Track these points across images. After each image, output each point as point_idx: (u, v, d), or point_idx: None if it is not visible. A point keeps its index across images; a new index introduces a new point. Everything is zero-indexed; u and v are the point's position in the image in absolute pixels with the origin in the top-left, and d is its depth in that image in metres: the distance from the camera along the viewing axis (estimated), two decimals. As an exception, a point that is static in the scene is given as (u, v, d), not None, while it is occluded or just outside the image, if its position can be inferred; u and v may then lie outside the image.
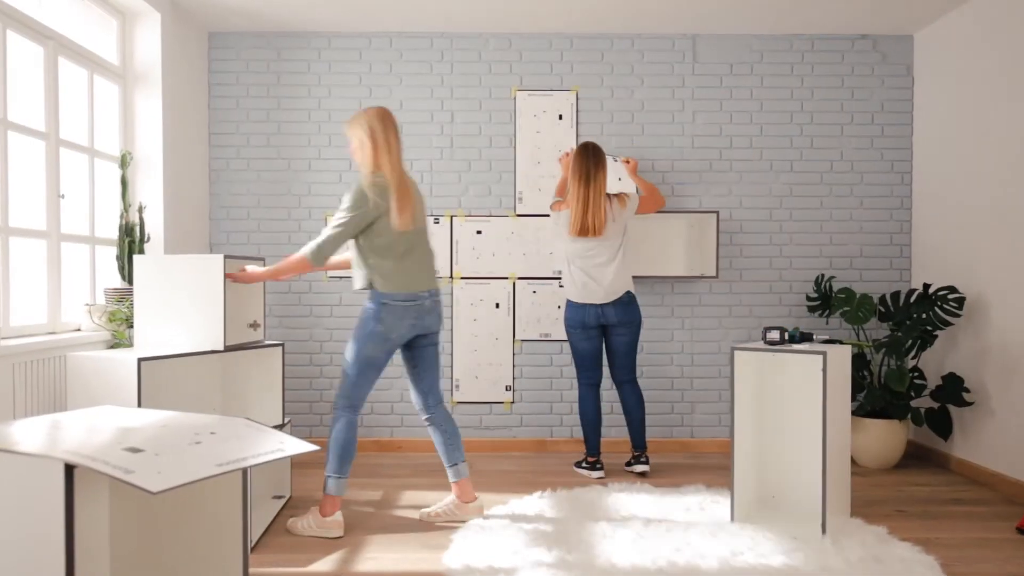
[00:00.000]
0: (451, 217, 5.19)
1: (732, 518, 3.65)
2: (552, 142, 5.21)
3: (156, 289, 3.57)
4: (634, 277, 5.00)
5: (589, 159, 4.43)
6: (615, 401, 5.21)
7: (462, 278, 5.20)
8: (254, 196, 5.22)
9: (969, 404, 4.54)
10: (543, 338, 5.23)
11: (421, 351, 3.74)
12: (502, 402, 5.24)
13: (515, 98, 5.23)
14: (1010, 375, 4.31)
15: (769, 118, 5.26)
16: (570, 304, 4.57)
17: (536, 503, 3.94)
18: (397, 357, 5.16)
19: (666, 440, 5.27)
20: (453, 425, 3.79)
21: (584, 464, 4.63)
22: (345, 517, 3.78)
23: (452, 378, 5.20)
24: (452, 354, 5.20)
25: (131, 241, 4.14)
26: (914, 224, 5.25)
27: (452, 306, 5.19)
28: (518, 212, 5.22)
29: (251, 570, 3.15)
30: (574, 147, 4.90)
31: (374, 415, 5.24)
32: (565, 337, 5.14)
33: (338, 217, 3.46)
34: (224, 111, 5.22)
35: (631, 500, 3.98)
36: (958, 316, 4.59)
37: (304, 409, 5.24)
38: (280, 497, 4.03)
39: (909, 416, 4.66)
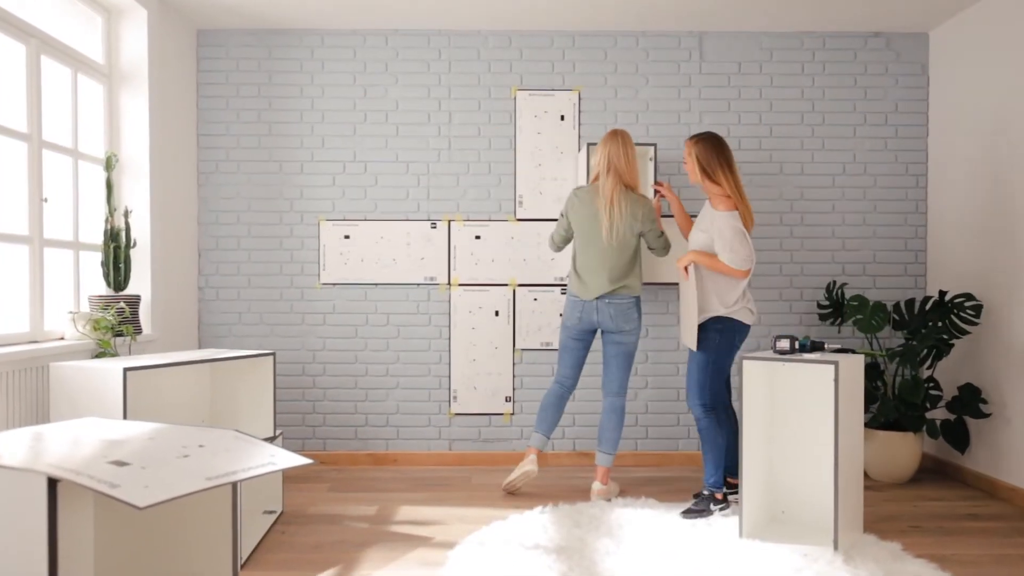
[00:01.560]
0: (449, 221, 5.20)
1: (741, 534, 3.65)
2: (553, 144, 5.23)
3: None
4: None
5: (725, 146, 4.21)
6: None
7: (460, 285, 5.20)
8: (244, 200, 5.24)
9: (986, 416, 4.55)
10: (544, 347, 5.23)
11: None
12: (501, 413, 5.25)
13: (515, 98, 5.24)
14: (1029, 386, 4.32)
15: (779, 119, 5.28)
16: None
17: (537, 518, 3.95)
18: (396, 368, 5.19)
19: (672, 453, 5.27)
20: (605, 416, 4.50)
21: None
22: (338, 533, 3.79)
23: (450, 388, 5.21)
24: (449, 363, 5.21)
25: (116, 247, 4.15)
26: (929, 229, 5.26)
27: (450, 314, 5.20)
28: (518, 216, 5.23)
29: (240, 588, 3.15)
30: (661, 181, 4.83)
31: (369, 427, 5.25)
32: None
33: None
34: (213, 111, 5.24)
35: (636, 515, 3.99)
36: (975, 324, 4.60)
37: (296, 421, 5.25)
38: (271, 512, 4.03)
39: (924, 428, 4.67)
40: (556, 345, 5.21)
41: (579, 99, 5.25)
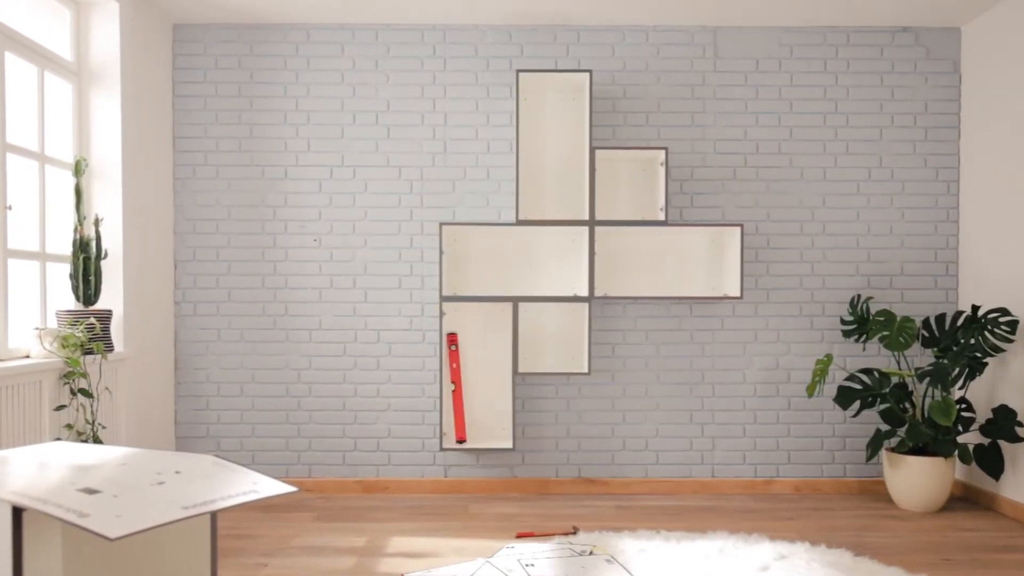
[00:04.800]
0: (440, 226, 5.19)
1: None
2: (557, 147, 5.26)
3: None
4: (648, 298, 5.03)
5: None
6: (628, 410, 5.24)
7: (454, 299, 5.21)
8: (224, 207, 5.27)
9: (1023, 440, 4.57)
10: (547, 367, 5.25)
11: None
12: (501, 438, 5.26)
13: (516, 97, 5.27)
14: (1070, 408, 4.33)
15: (800, 120, 5.31)
16: None
17: (541, 550, 3.96)
18: (387, 388, 5.21)
19: (684, 480, 5.29)
20: None
21: None
22: (324, 566, 3.81)
23: (442, 411, 5.21)
24: (443, 384, 5.22)
25: (86, 258, 4.18)
26: (961, 239, 5.29)
27: (442, 330, 5.21)
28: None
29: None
30: None
31: (358, 452, 5.26)
32: (573, 369, 5.17)
33: None
34: (190, 112, 5.27)
35: (645, 548, 4.00)
36: (1011, 341, 4.62)
37: (280, 445, 5.27)
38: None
39: (956, 453, 4.68)
40: (561, 369, 5.22)
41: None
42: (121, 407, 4.47)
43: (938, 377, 4.66)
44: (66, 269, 4.28)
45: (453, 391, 5.14)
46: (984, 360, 4.70)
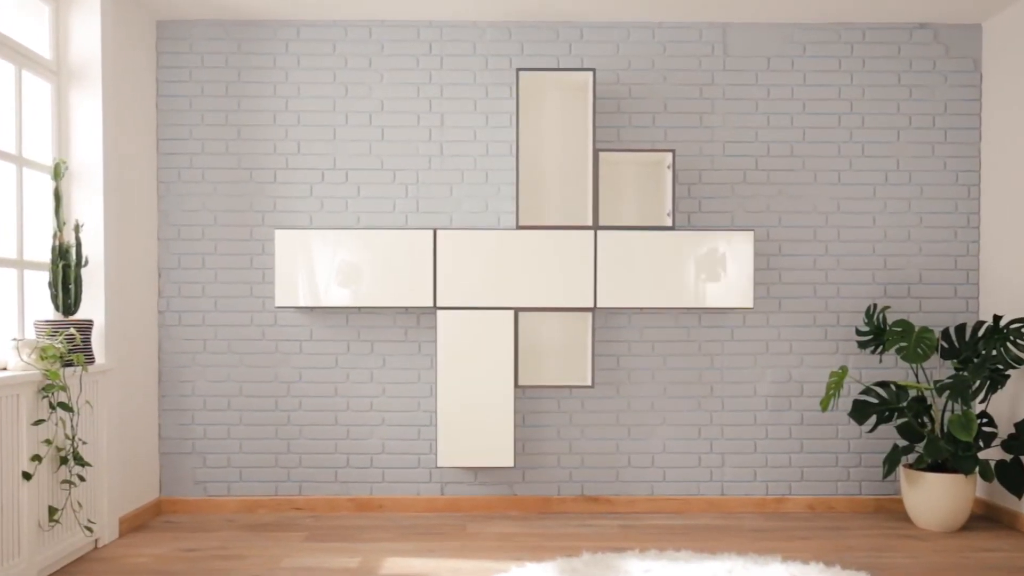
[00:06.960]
0: (435, 232, 5.19)
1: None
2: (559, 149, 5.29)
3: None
4: (655, 308, 5.04)
5: None
6: (634, 425, 5.26)
7: (454, 308, 5.21)
8: (210, 213, 5.29)
9: (1048, 456, 4.60)
10: (549, 379, 5.26)
11: None
12: (500, 454, 5.27)
13: (516, 97, 5.29)
14: (1095, 422, 4.35)
15: (813, 121, 5.34)
16: None
17: (541, 572, 3.97)
18: (381, 402, 5.22)
19: (692, 498, 5.30)
20: None
21: None
22: (315, 590, 3.83)
23: (438, 426, 5.21)
24: (437, 398, 5.21)
25: (66, 265, 4.19)
26: (982, 245, 5.31)
27: (438, 341, 5.21)
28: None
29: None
30: None
31: (350, 469, 5.28)
32: (575, 382, 5.19)
33: None
34: (175, 113, 5.29)
35: (651, 569, 4.01)
36: (1034, 353, 4.65)
37: (269, 462, 5.28)
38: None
39: (977, 470, 4.70)
40: (563, 381, 5.24)
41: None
42: (102, 422, 4.49)
43: (958, 390, 4.68)
44: (45, 277, 4.29)
45: None
46: (1006, 372, 4.72)
